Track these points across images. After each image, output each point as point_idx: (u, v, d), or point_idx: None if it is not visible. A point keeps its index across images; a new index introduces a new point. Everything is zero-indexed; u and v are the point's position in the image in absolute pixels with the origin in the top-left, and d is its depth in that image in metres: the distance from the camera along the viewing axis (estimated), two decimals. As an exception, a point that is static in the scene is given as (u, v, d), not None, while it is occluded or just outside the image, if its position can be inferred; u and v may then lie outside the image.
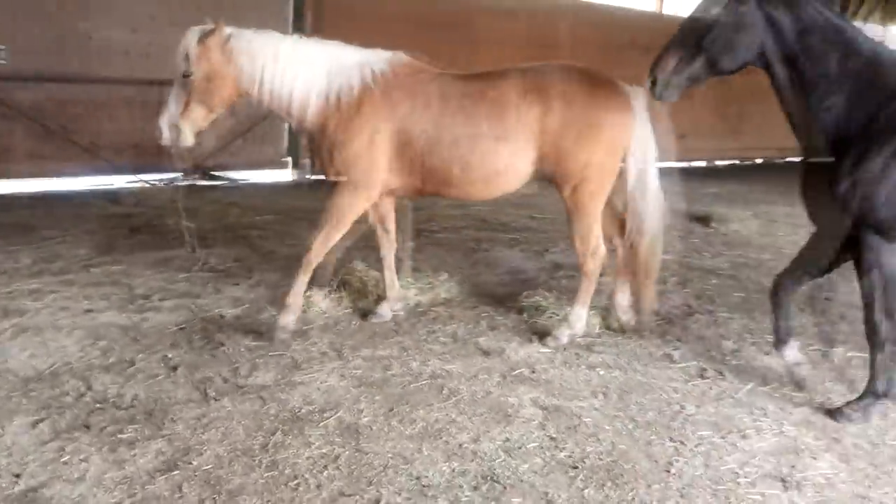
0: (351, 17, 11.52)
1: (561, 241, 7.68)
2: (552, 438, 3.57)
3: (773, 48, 3.78)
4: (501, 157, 4.47)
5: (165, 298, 5.26)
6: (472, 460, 3.34)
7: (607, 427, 3.71)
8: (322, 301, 5.11)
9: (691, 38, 3.83)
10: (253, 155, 11.13)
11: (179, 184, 9.58)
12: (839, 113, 3.70)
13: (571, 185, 4.51)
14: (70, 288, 5.39)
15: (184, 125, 4.30)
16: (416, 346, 4.60)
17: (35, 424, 3.47)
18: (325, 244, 4.54)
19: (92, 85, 9.71)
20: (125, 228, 7.22)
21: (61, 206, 8.07)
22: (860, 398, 3.93)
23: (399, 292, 5.13)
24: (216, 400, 3.80)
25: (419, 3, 12.46)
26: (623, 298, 4.99)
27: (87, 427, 3.47)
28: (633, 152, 4.58)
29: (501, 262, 6.78)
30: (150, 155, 10.06)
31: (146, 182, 9.39)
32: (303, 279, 4.58)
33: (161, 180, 9.58)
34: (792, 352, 4.27)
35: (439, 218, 8.45)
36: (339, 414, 3.70)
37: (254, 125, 10.04)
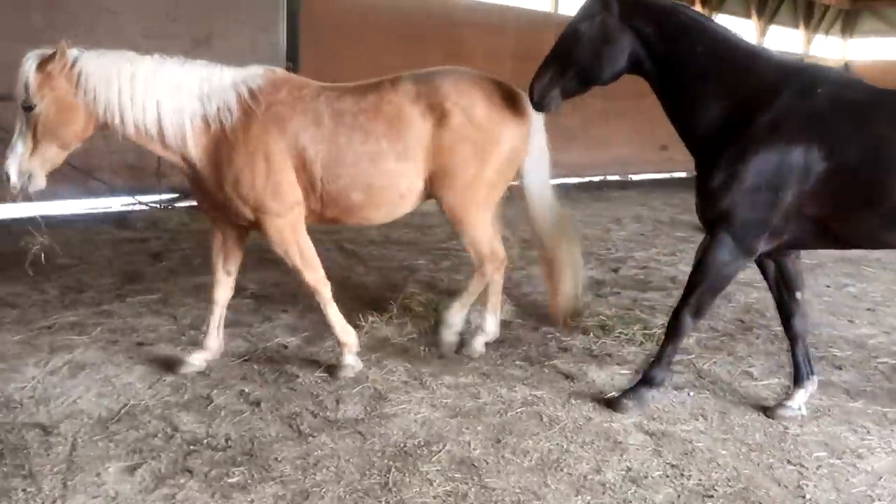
0: (339, 30, 11.43)
1: (594, 256, 7.65)
2: (673, 466, 3.47)
3: (645, 57, 3.85)
4: (406, 176, 4.16)
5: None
6: (604, 493, 3.22)
7: (722, 451, 3.63)
8: (385, 327, 4.95)
9: (564, 52, 3.91)
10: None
11: (179, 205, 9.32)
12: (713, 115, 3.73)
13: (460, 199, 4.26)
14: (111, 319, 5.13)
15: (34, 166, 3.65)
16: (495, 372, 4.46)
17: (132, 470, 3.25)
18: (316, 275, 4.24)
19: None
20: (145, 254, 6.92)
21: (66, 231, 7.69)
22: (634, 387, 4.06)
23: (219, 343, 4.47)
24: (313, 437, 3.61)
25: (406, 16, 12.42)
26: (491, 323, 4.79)
27: (190, 472, 3.25)
28: (530, 161, 4.48)
29: (538, 280, 6.68)
30: (147, 176, 9.82)
31: (148, 205, 9.05)
32: (333, 312, 4.32)
33: (161, 202, 9.27)
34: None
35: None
36: (446, 447, 3.55)
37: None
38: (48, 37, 9.07)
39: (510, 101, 4.28)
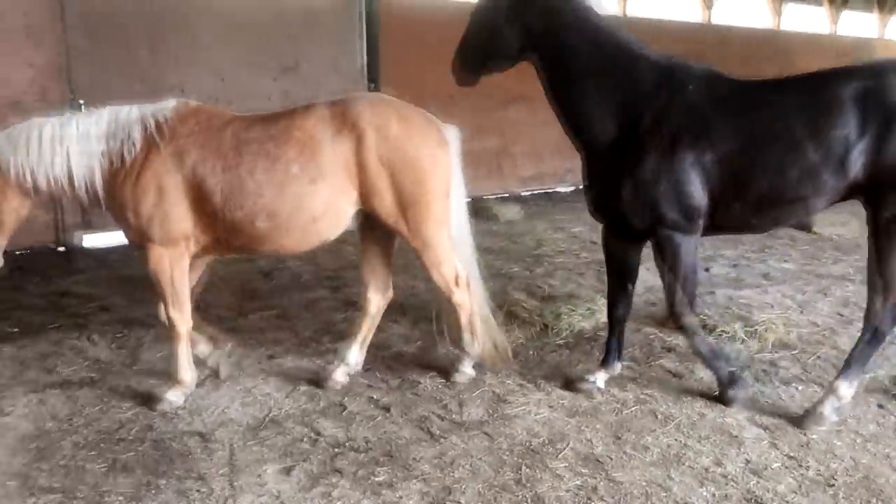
0: (418, 47, 11.73)
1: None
2: (791, 457, 3.60)
3: (534, 51, 3.95)
4: (319, 198, 4.06)
5: (334, 340, 5.36)
6: (727, 484, 3.39)
7: (838, 442, 3.74)
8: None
9: (467, 34, 4.12)
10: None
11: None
12: (603, 117, 3.84)
13: (409, 220, 4.18)
14: (239, 335, 5.50)
15: None
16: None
17: (288, 472, 3.56)
18: (180, 311, 4.25)
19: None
20: (256, 273, 7.34)
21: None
22: (722, 391, 4.14)
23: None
24: (444, 438, 3.87)
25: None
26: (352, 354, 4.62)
27: (339, 472, 3.55)
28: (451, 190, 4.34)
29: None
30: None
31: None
32: (181, 350, 4.31)
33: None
34: None
35: (546, 242, 8.52)
36: (570, 445, 3.76)
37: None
38: (152, 72, 9.71)
39: (429, 125, 4.26)
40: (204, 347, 4.67)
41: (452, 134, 4.34)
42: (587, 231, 9.00)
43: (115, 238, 4.35)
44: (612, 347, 4.43)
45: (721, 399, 4.16)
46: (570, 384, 4.42)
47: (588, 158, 4.03)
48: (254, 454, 3.73)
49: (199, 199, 4.04)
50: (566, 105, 3.99)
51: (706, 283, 6.76)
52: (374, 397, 4.38)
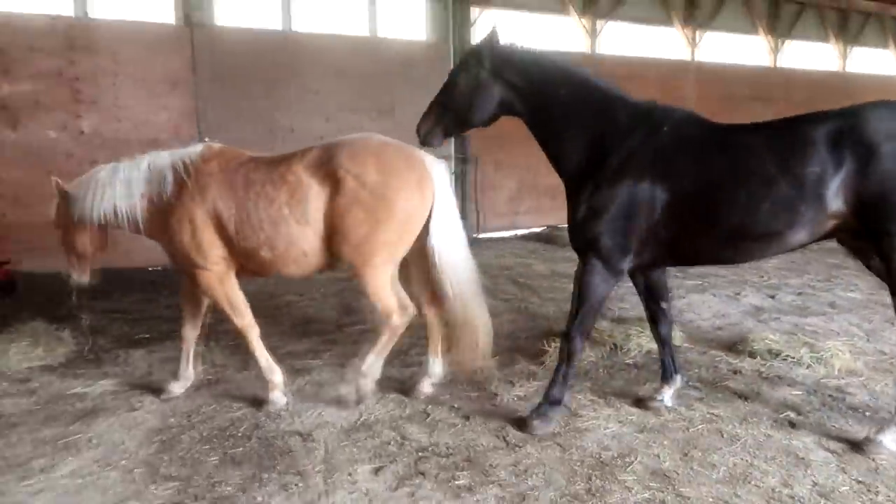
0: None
1: (748, 284, 7.42)
2: (860, 482, 3.34)
3: (516, 102, 3.94)
4: (305, 239, 4.14)
5: (421, 353, 5.34)
6: (794, 504, 3.16)
7: (907, 469, 3.44)
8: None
9: (445, 98, 4.02)
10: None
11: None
12: (579, 154, 3.84)
13: (356, 257, 4.13)
14: (336, 347, 5.57)
15: (78, 269, 4.54)
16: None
17: (377, 472, 3.54)
18: (242, 319, 4.41)
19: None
20: (355, 292, 7.40)
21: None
22: (538, 407, 3.99)
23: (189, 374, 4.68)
24: (519, 447, 3.77)
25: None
26: (436, 366, 4.60)
27: (423, 474, 3.51)
28: (434, 222, 4.21)
29: (699, 307, 6.57)
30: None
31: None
32: (259, 353, 4.46)
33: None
34: None
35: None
36: (639, 459, 3.60)
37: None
38: (267, 115, 10.04)
39: (408, 168, 4.17)
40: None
41: (439, 169, 4.28)
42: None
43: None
44: (666, 363, 4.26)
45: (524, 421, 3.99)
46: (639, 401, 4.26)
47: (566, 191, 3.97)
48: (347, 454, 3.74)
49: (220, 229, 4.23)
50: (548, 145, 4.00)
51: (772, 310, 6.44)
52: (456, 406, 4.33)
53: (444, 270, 4.25)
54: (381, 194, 4.05)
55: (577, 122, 3.84)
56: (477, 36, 11.81)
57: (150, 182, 4.31)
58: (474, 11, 11.81)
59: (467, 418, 4.15)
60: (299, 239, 4.15)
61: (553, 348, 5.16)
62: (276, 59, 10.08)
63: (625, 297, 6.76)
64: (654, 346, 5.12)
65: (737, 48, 14.99)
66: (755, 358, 4.98)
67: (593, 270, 3.79)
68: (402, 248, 4.24)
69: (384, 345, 4.37)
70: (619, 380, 4.71)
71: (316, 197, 4.11)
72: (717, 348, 5.24)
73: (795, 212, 3.41)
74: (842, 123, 3.41)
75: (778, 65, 15.53)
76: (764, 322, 5.98)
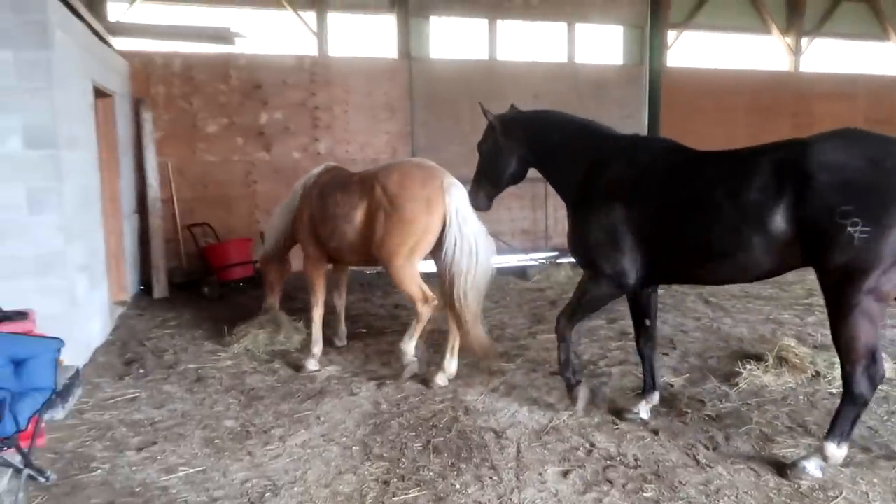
0: (696, 111, 11.18)
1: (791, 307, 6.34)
2: None
3: (527, 153, 4.34)
4: (354, 237, 4.93)
5: (611, 365, 5.22)
6: None
7: None
8: (763, 376, 4.67)
9: (479, 168, 4.56)
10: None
11: (562, 260, 9.83)
12: (569, 185, 4.12)
13: (383, 252, 4.76)
14: (528, 352, 5.61)
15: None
16: (882, 427, 3.93)
17: (565, 474, 3.51)
18: (314, 297, 5.43)
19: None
20: (545, 301, 7.45)
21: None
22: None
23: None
24: (710, 467, 3.54)
25: (757, 92, 11.69)
26: (451, 364, 4.93)
27: (610, 482, 3.41)
28: (448, 239, 4.64)
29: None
30: (538, 238, 10.62)
31: (539, 261, 9.72)
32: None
33: (548, 259, 9.88)
34: None
35: (817, 292, 7.46)
36: (843, 494, 3.22)
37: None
38: (472, 137, 10.33)
39: (422, 186, 4.67)
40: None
41: (456, 191, 4.68)
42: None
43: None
44: (645, 379, 4.29)
45: (570, 398, 4.27)
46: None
47: (567, 214, 4.22)
48: (537, 455, 3.74)
49: (315, 226, 5.25)
50: (554, 179, 4.31)
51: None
52: (644, 419, 4.16)
53: (451, 281, 4.65)
54: (399, 204, 4.66)
55: (567, 159, 4.13)
56: (674, 59, 11.31)
57: (293, 199, 5.53)
58: (671, 35, 11.32)
59: (656, 433, 3.97)
60: (351, 237, 4.95)
61: (748, 370, 4.79)
62: (479, 86, 10.37)
63: (824, 323, 6.05)
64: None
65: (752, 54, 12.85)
66: None
67: (597, 282, 3.94)
68: (418, 251, 4.76)
69: (416, 328, 4.93)
70: (820, 409, 4.25)
71: (359, 204, 4.89)
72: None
73: (740, 234, 3.38)
74: (788, 153, 3.32)
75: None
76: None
